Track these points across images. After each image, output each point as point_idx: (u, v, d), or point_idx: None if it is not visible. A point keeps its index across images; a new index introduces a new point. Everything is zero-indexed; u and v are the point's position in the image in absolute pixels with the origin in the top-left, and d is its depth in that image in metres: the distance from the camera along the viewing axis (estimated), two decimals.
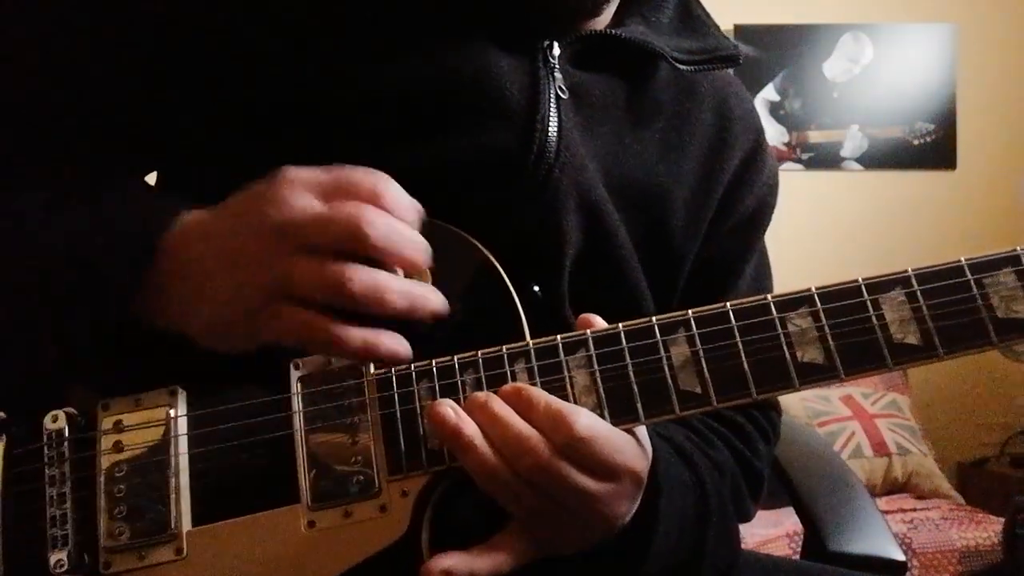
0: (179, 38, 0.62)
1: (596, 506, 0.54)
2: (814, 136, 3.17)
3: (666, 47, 0.68)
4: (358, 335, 0.53)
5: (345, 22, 0.63)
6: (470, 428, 0.52)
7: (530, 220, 0.63)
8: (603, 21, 0.70)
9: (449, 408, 0.53)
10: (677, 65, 0.69)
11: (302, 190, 0.53)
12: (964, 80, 3.15)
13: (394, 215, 0.53)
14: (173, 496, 0.56)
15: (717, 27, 0.74)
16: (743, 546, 0.78)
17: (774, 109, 3.15)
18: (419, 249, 0.54)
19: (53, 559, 0.56)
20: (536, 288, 0.61)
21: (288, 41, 0.62)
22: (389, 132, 0.62)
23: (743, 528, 0.79)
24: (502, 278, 0.59)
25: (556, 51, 0.65)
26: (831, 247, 3.03)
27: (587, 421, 0.53)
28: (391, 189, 0.54)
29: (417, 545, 0.55)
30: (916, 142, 3.16)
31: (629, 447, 0.55)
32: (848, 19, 3.17)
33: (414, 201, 0.55)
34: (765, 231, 0.81)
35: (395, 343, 0.54)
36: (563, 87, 0.65)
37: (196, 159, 0.66)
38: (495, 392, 0.54)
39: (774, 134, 3.12)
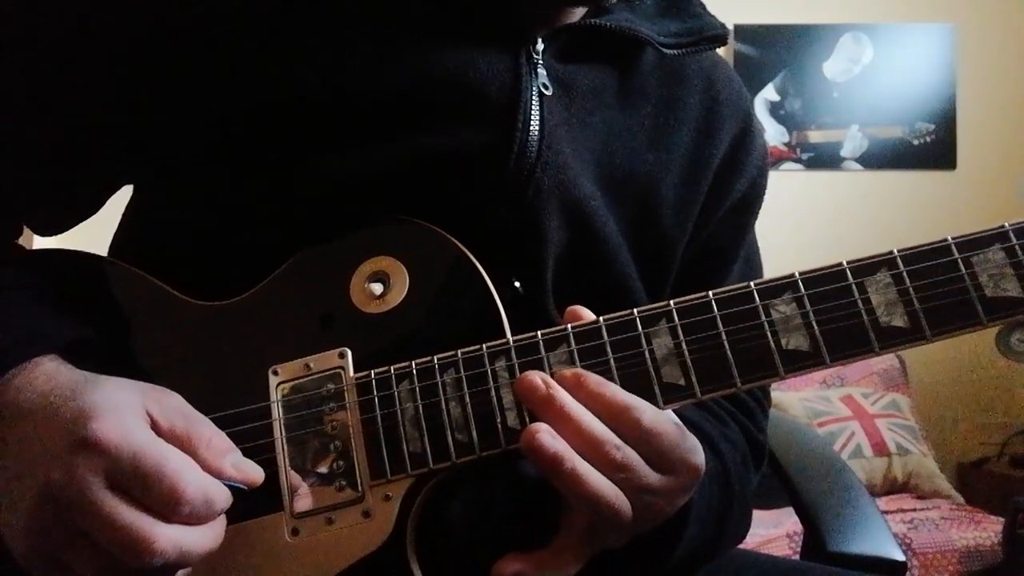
0: (153, 39, 0.61)
1: (658, 502, 0.54)
2: (814, 136, 3.16)
3: (651, 32, 0.67)
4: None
5: (325, 21, 0.62)
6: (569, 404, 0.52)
7: (511, 220, 0.62)
8: (582, 12, 0.68)
9: (539, 379, 0.53)
10: (663, 50, 0.68)
11: (136, 413, 0.49)
12: (964, 80, 3.15)
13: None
14: None
15: (703, 6, 0.73)
16: (743, 546, 0.78)
17: (774, 109, 3.15)
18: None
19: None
20: (517, 284, 0.61)
21: (267, 41, 0.61)
22: (368, 131, 0.61)
23: None
24: (481, 275, 0.58)
25: (540, 46, 0.64)
26: (831, 247, 3.03)
27: (652, 415, 0.52)
28: (181, 485, 0.48)
29: (402, 550, 0.54)
30: (916, 142, 3.16)
31: (687, 441, 0.55)
32: (848, 19, 3.17)
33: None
34: (757, 215, 0.79)
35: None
36: (547, 83, 0.64)
37: (172, 169, 0.65)
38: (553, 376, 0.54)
39: (774, 134, 3.12)
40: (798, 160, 3.14)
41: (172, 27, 0.61)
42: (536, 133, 0.62)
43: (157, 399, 0.51)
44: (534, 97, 0.63)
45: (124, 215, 0.73)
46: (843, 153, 3.16)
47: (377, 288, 0.58)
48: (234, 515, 0.54)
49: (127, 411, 0.49)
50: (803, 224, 2.99)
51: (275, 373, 0.57)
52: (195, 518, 0.48)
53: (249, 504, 0.54)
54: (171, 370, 0.58)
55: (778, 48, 3.15)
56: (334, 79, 0.61)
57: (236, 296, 0.61)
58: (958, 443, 3.03)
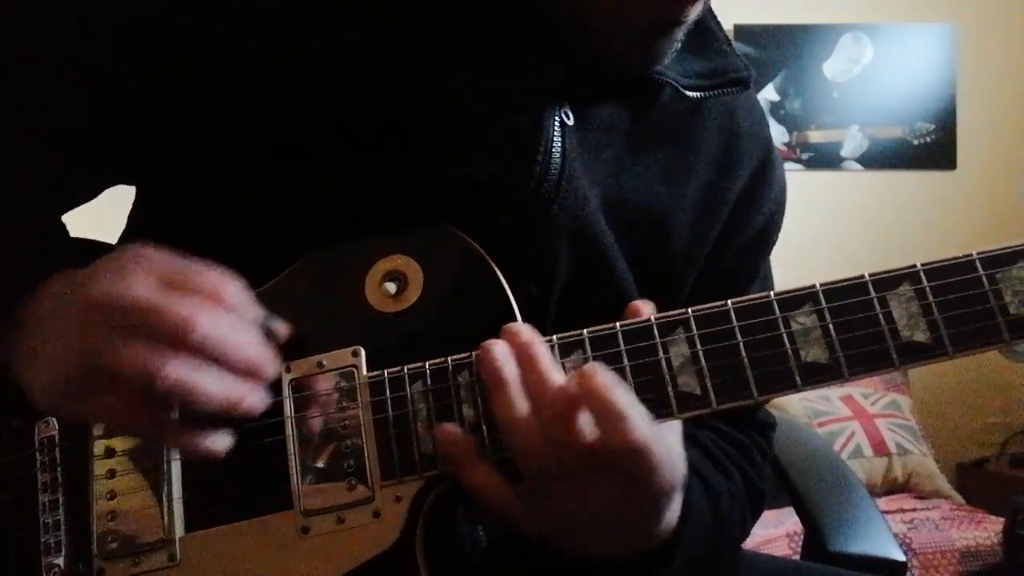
0: (155, 39, 0.61)
1: (611, 507, 0.52)
2: (814, 136, 3.16)
3: (674, 74, 0.65)
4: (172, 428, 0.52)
5: (348, 41, 0.60)
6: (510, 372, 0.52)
7: (521, 248, 0.61)
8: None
9: (498, 350, 0.52)
10: (686, 93, 0.65)
11: (143, 273, 0.51)
12: (964, 80, 3.15)
13: (230, 315, 0.52)
14: (166, 502, 0.55)
15: (729, 42, 0.70)
16: (743, 546, 0.78)
17: (774, 109, 3.14)
18: (249, 351, 0.51)
19: (46, 566, 0.55)
20: (533, 287, 0.60)
21: (269, 43, 0.60)
22: (381, 145, 0.60)
23: None
24: (497, 277, 0.58)
25: (561, 75, 0.61)
26: (831, 247, 3.03)
27: (644, 431, 0.49)
28: (232, 289, 0.52)
29: (411, 551, 0.54)
30: (916, 142, 3.16)
31: (668, 465, 0.52)
32: (848, 19, 3.17)
33: (256, 305, 0.54)
34: (771, 249, 0.79)
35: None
36: (568, 112, 0.62)
37: (175, 170, 0.65)
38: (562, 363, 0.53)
39: (774, 134, 3.10)
40: (798, 160, 3.14)
41: (177, 26, 0.61)
42: (557, 164, 0.60)
43: (152, 258, 0.53)
44: (556, 127, 0.61)
45: (129, 217, 0.73)
46: (843, 153, 3.16)
47: (392, 287, 0.58)
48: (244, 511, 0.54)
49: (134, 270, 0.51)
50: (803, 224, 2.99)
51: (287, 370, 0.56)
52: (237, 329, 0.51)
53: (260, 501, 0.55)
54: None
55: (778, 48, 3.15)
56: (349, 90, 0.60)
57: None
58: (958, 443, 3.03)
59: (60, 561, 0.55)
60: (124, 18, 0.61)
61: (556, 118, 0.61)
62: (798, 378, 0.52)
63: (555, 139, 0.60)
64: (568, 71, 0.61)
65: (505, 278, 0.58)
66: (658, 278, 0.68)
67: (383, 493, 0.54)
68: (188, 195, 0.65)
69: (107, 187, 0.70)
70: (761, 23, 3.14)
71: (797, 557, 1.10)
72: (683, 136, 0.70)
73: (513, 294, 0.57)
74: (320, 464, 0.55)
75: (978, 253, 0.51)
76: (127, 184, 0.71)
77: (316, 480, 0.55)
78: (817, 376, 0.52)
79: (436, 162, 0.60)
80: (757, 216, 0.74)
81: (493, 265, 0.58)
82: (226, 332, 0.50)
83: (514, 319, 0.56)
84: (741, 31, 3.11)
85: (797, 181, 3.29)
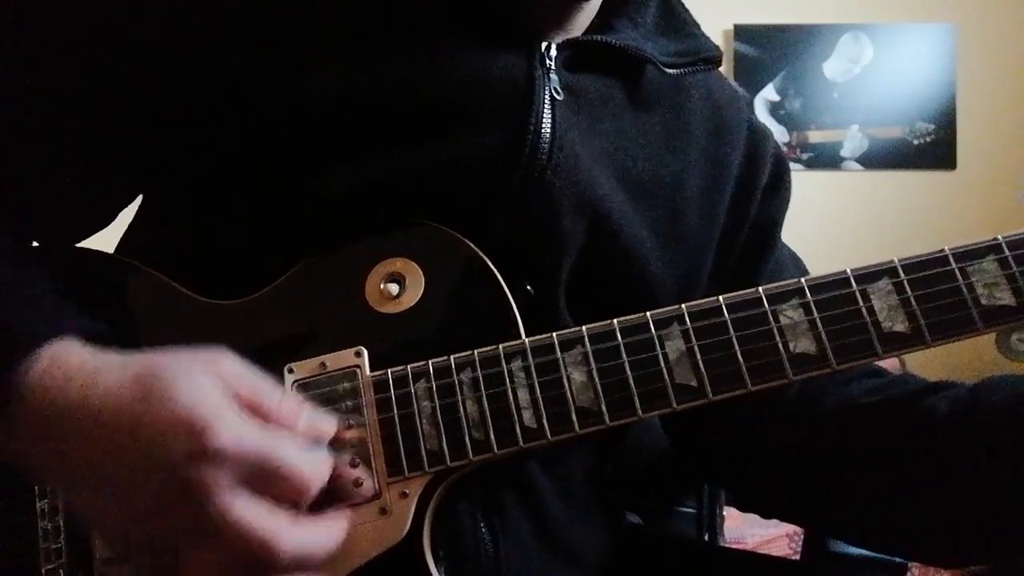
0: (159, 47, 0.61)
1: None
2: (814, 136, 3.16)
3: (653, 51, 0.69)
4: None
5: (336, 26, 0.62)
6: None
7: (524, 222, 0.62)
8: (588, 21, 0.70)
9: None
10: (664, 69, 0.70)
11: (232, 400, 0.48)
12: (964, 80, 3.15)
13: (323, 451, 0.52)
14: None
15: (697, 25, 0.76)
16: (743, 546, 0.78)
17: (774, 109, 3.14)
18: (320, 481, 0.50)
19: (47, 572, 0.55)
20: (529, 287, 0.61)
21: (273, 47, 0.61)
22: (378, 136, 0.61)
23: (743, 528, 0.79)
24: (496, 278, 0.59)
25: (553, 52, 0.64)
26: (831, 247, 3.03)
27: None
28: (317, 422, 0.52)
29: (419, 547, 0.55)
30: (916, 142, 3.16)
31: None
32: (848, 19, 3.17)
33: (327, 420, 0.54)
34: (791, 186, 0.85)
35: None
36: (558, 88, 0.64)
37: (179, 175, 0.66)
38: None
39: (774, 134, 3.12)
40: (798, 160, 3.15)
41: (179, 33, 0.61)
42: (548, 135, 0.62)
43: (221, 372, 0.49)
44: (546, 100, 0.63)
45: (133, 219, 0.74)
46: (843, 153, 3.16)
47: (393, 288, 0.59)
48: None
49: (220, 404, 0.47)
50: (803, 224, 2.99)
51: (290, 371, 0.57)
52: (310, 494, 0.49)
53: None
54: None
55: (778, 48, 3.15)
56: (344, 84, 0.61)
57: (248, 296, 0.61)
58: None
59: (60, 568, 0.55)
60: (132, 27, 0.62)
61: (547, 93, 0.63)
62: (789, 369, 0.55)
63: (545, 112, 0.62)
64: (548, 48, 0.65)
65: (505, 274, 0.59)
66: (680, 245, 0.71)
67: (390, 490, 0.55)
68: (189, 203, 0.66)
69: (120, 205, 0.71)
70: (761, 23, 3.14)
71: (797, 557, 1.10)
72: (673, 109, 0.74)
73: (512, 294, 0.59)
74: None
75: (950, 248, 0.55)
76: (137, 192, 0.72)
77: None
78: (806, 365, 0.55)
79: (433, 144, 0.61)
80: (763, 171, 0.79)
81: (493, 268, 0.59)
82: (325, 476, 0.50)
83: (515, 320, 0.58)
84: (741, 31, 3.11)
85: (797, 181, 3.28)
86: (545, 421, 0.55)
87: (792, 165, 3.34)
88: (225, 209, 0.64)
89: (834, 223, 3.10)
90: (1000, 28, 3.19)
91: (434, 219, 0.60)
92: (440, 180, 0.61)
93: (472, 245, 0.59)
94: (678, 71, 0.71)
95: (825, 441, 0.70)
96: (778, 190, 0.81)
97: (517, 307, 0.58)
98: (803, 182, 3.11)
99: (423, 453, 0.55)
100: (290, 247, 0.61)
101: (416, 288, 0.59)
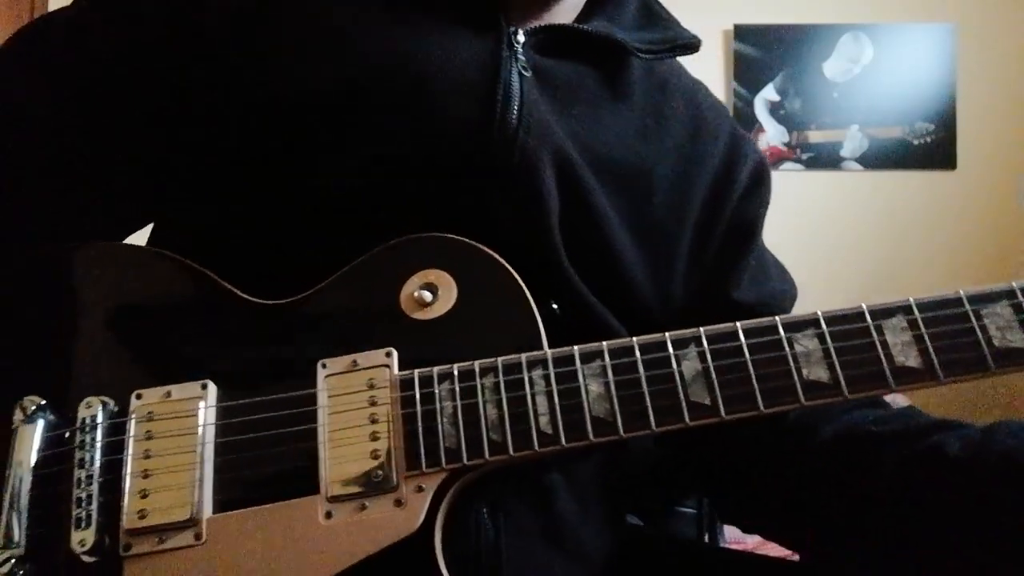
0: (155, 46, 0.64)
1: None
2: (814, 136, 3.17)
3: (628, 39, 0.72)
4: None
5: (325, 13, 0.65)
6: None
7: (511, 188, 0.65)
8: (568, 16, 0.73)
9: None
10: (639, 55, 0.73)
11: None
12: (964, 80, 3.15)
13: None
14: (196, 484, 0.58)
15: (677, 22, 0.79)
16: (743, 547, 0.78)
17: (774, 109, 3.15)
18: None
19: (75, 539, 0.57)
20: (555, 306, 0.63)
21: (246, 34, 0.64)
22: (350, 116, 0.64)
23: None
24: (525, 295, 0.62)
25: (521, 38, 0.68)
26: (831, 247, 3.03)
27: None
28: None
29: (430, 542, 0.56)
30: (916, 142, 3.16)
31: None
32: (848, 19, 3.17)
33: None
34: (770, 188, 0.83)
35: None
36: (526, 67, 0.67)
37: (180, 174, 0.68)
38: None
39: (774, 134, 3.12)
40: (798, 160, 3.15)
41: (179, 33, 0.64)
42: (517, 104, 0.66)
43: None
44: (514, 76, 0.66)
45: (153, 229, 0.76)
46: (843, 153, 3.16)
47: (427, 296, 0.62)
48: (272, 495, 0.57)
49: None
50: (803, 224, 3.00)
51: (323, 366, 0.60)
52: None
53: (287, 486, 0.57)
54: (222, 358, 0.62)
55: (778, 48, 3.15)
56: (331, 66, 0.64)
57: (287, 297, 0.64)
58: None
59: (89, 534, 0.57)
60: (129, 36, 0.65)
61: (514, 70, 0.67)
62: (801, 394, 0.56)
63: (513, 85, 0.66)
64: (525, 35, 0.68)
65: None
66: (644, 226, 0.73)
67: (406, 483, 0.57)
68: (203, 207, 0.69)
69: (138, 218, 0.73)
70: (761, 23, 3.14)
71: (797, 557, 1.09)
72: (654, 107, 0.76)
73: (539, 311, 0.62)
74: (348, 453, 0.58)
75: (965, 291, 0.57)
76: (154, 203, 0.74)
77: (343, 468, 0.58)
78: (819, 392, 0.56)
79: (406, 122, 0.65)
80: (743, 167, 0.80)
81: (523, 286, 0.62)
82: None
83: (539, 335, 0.61)
84: (741, 31, 3.11)
85: (797, 181, 3.31)
86: (561, 428, 0.57)
87: (792, 165, 3.35)
88: (225, 205, 0.66)
89: (834, 223, 3.10)
90: (1000, 28, 3.19)
91: (423, 191, 0.64)
92: (423, 150, 0.64)
93: (506, 265, 0.62)
94: (654, 56, 0.74)
95: (823, 464, 0.70)
96: (757, 192, 0.82)
97: (543, 322, 0.61)
98: (803, 182, 3.12)
99: (441, 450, 0.57)
100: (282, 238, 0.64)
101: (448, 298, 0.62)
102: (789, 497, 0.72)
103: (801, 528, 0.73)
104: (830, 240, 3.05)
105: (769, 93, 3.15)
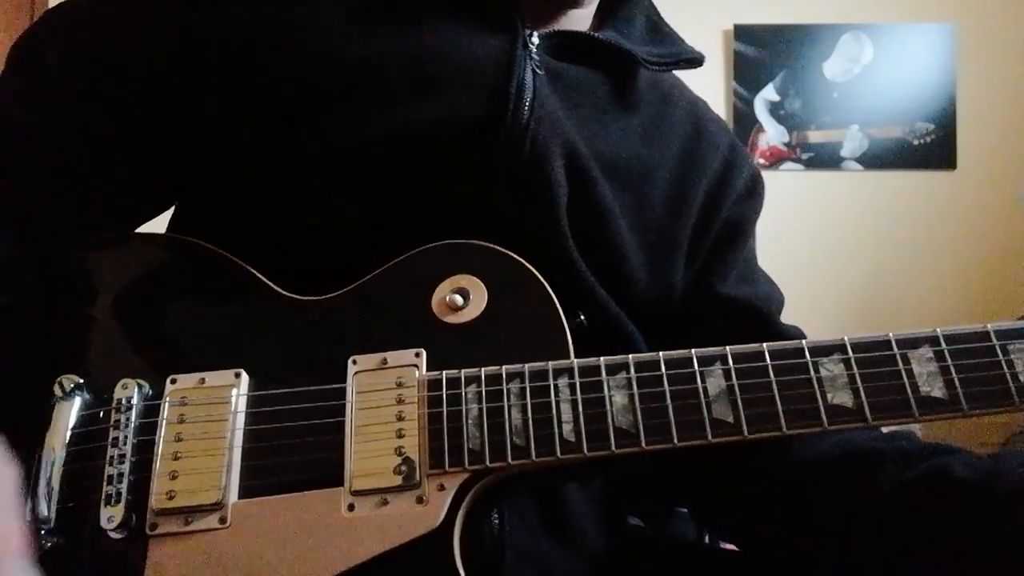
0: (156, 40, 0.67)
1: None
2: (814, 136, 3.16)
3: (636, 50, 0.75)
4: None
5: (354, 8, 0.68)
6: None
7: (522, 177, 0.67)
8: (580, 26, 0.76)
9: None
10: (647, 66, 0.76)
11: None
12: (964, 80, 3.15)
13: None
14: (225, 468, 0.59)
15: (682, 39, 0.82)
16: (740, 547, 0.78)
17: (774, 109, 3.14)
18: None
19: (104, 515, 0.58)
20: (582, 318, 0.65)
21: (302, 29, 0.67)
22: (380, 97, 0.66)
23: None
24: (555, 305, 0.63)
25: (535, 40, 0.71)
26: (831, 247, 3.03)
27: None
28: None
29: (448, 540, 0.57)
30: (916, 142, 3.16)
31: None
32: (848, 19, 3.17)
33: None
34: (762, 202, 0.86)
35: None
36: (539, 66, 0.70)
37: (199, 186, 0.70)
38: None
39: (774, 134, 3.12)
40: (798, 160, 3.14)
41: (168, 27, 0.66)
42: (529, 97, 0.68)
43: None
44: (527, 73, 0.69)
45: (171, 219, 0.79)
46: (843, 153, 3.16)
47: (458, 300, 0.63)
48: (297, 485, 0.59)
49: None
50: (803, 224, 2.99)
51: (354, 362, 0.62)
52: None
53: (313, 477, 0.59)
54: (255, 348, 0.64)
55: (778, 48, 3.15)
56: (335, 51, 0.67)
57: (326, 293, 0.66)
58: (958, 443, 3.02)
59: (118, 511, 0.58)
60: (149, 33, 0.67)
61: (527, 67, 0.69)
62: (824, 417, 0.57)
63: (526, 80, 0.68)
64: (539, 38, 0.71)
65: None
66: (643, 226, 0.74)
67: (429, 481, 0.58)
68: (223, 200, 0.71)
69: (158, 203, 0.76)
70: (761, 23, 3.14)
71: None
72: (657, 114, 0.79)
73: (567, 322, 0.63)
74: (373, 448, 0.59)
75: (992, 326, 0.58)
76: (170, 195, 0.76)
77: (368, 462, 0.59)
78: (842, 417, 0.57)
79: (421, 111, 0.67)
80: (740, 177, 0.83)
81: (553, 296, 0.63)
82: None
83: (566, 343, 0.62)
84: (741, 31, 3.11)
85: (797, 181, 3.31)
86: (584, 437, 0.58)
87: (792, 165, 3.35)
88: (225, 197, 0.69)
89: (834, 223, 3.10)
90: (1000, 28, 3.19)
91: (437, 181, 0.66)
92: (438, 139, 0.66)
93: (537, 274, 0.64)
94: (661, 68, 0.77)
95: (819, 475, 0.70)
96: (752, 198, 0.85)
97: (571, 332, 0.62)
98: (803, 182, 3.12)
99: (465, 451, 0.58)
100: (284, 225, 0.66)
101: (479, 304, 0.63)
102: (780, 507, 0.72)
103: (783, 539, 0.72)
104: (830, 240, 3.05)
105: (769, 93, 3.15)
